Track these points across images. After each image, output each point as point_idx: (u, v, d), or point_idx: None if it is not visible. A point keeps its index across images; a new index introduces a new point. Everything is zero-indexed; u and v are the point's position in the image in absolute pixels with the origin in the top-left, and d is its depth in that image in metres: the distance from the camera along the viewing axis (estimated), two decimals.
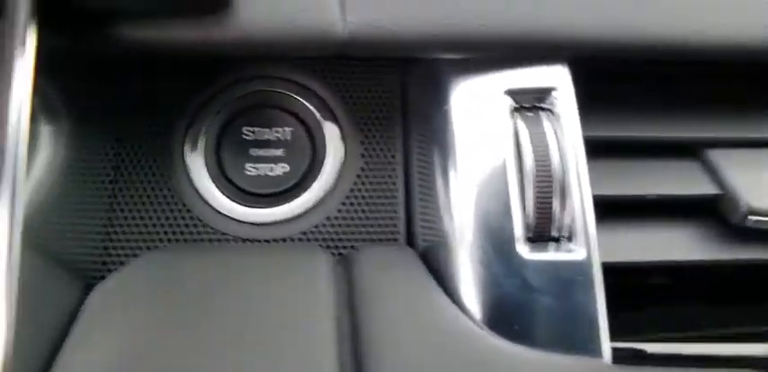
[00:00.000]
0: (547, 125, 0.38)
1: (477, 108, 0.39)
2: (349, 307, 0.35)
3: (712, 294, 0.46)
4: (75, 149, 0.41)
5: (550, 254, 0.36)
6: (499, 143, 0.38)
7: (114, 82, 0.44)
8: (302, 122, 0.46)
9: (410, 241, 0.44)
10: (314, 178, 0.45)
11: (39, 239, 0.35)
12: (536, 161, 0.37)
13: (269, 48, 0.37)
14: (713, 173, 0.41)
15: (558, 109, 0.39)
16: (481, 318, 0.35)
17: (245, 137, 0.45)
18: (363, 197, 0.45)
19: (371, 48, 0.38)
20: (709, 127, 0.42)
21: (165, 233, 0.44)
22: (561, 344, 0.34)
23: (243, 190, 0.45)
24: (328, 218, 0.45)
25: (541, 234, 0.36)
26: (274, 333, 0.32)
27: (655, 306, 0.46)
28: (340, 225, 0.45)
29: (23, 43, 0.30)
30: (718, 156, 0.41)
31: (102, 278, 0.39)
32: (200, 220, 0.44)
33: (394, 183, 0.45)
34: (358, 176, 0.45)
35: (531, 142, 0.37)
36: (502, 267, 0.35)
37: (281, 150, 0.45)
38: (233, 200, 0.44)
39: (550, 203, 0.36)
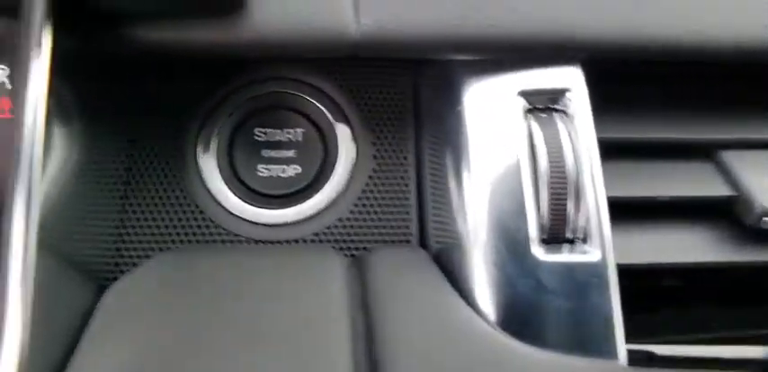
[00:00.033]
0: (561, 126, 0.38)
1: (491, 109, 0.39)
2: (363, 308, 0.35)
3: (726, 296, 0.46)
4: (88, 150, 0.41)
5: (565, 256, 0.36)
6: (513, 144, 0.38)
7: (127, 83, 0.44)
8: (314, 124, 0.45)
9: (422, 242, 0.44)
10: (326, 179, 0.45)
11: (51, 240, 0.35)
12: (550, 162, 0.37)
13: (282, 50, 0.37)
14: (727, 175, 0.41)
15: (571, 110, 0.39)
16: (495, 319, 0.35)
17: (257, 138, 0.45)
18: (375, 198, 0.45)
19: (384, 50, 0.38)
20: (723, 128, 0.42)
21: (178, 234, 0.44)
22: (576, 346, 0.34)
23: (255, 192, 0.45)
24: (340, 220, 0.45)
25: (556, 235, 0.36)
26: (289, 334, 0.32)
27: (668, 308, 0.46)
28: (352, 227, 0.45)
29: (39, 44, 0.30)
30: (732, 158, 0.41)
31: (115, 279, 0.39)
32: (212, 221, 0.44)
33: (406, 185, 0.45)
34: (370, 177, 0.45)
35: (546, 143, 0.37)
36: (516, 268, 0.35)
37: (293, 151, 0.45)
38: (245, 201, 0.44)
39: (565, 204, 0.36)
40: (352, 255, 0.44)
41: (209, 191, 0.44)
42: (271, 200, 0.45)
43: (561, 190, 0.36)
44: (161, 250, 0.43)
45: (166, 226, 0.44)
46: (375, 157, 0.46)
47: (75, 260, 0.39)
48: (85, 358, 0.32)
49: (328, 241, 0.44)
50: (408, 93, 0.46)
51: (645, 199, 0.39)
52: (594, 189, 0.37)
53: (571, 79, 0.39)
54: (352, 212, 0.45)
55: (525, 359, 0.33)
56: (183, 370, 0.30)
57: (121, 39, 0.36)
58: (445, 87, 0.41)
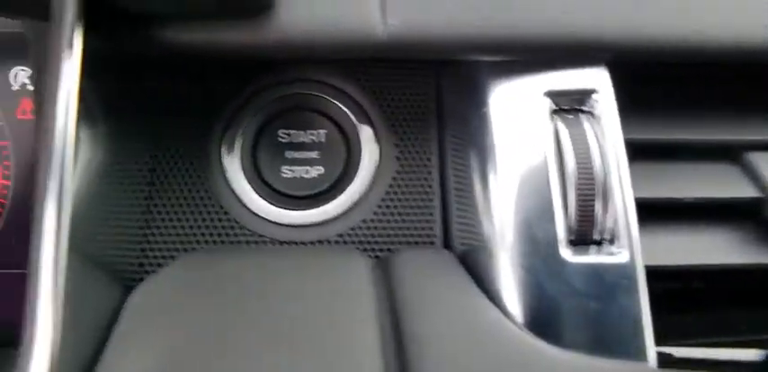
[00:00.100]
0: (587, 127, 0.38)
1: (517, 110, 0.39)
2: (390, 310, 0.35)
3: (753, 298, 0.46)
4: (113, 151, 0.41)
5: (593, 257, 0.35)
6: (539, 145, 0.37)
7: (151, 84, 0.45)
8: (337, 125, 0.46)
9: (446, 244, 0.44)
10: (349, 180, 0.45)
11: (76, 241, 0.35)
12: (578, 163, 0.36)
13: (309, 51, 0.37)
14: (753, 176, 0.40)
15: (598, 111, 0.39)
16: (523, 321, 0.35)
17: (280, 139, 0.45)
18: (399, 199, 0.45)
19: (411, 51, 0.38)
20: (749, 129, 0.42)
21: (202, 234, 0.44)
22: (605, 348, 0.34)
23: (279, 192, 0.45)
24: (364, 221, 0.45)
25: (584, 236, 0.36)
26: (316, 335, 0.32)
27: (693, 311, 0.45)
28: (376, 228, 0.45)
29: (71, 46, 0.30)
30: (758, 159, 0.41)
31: (140, 280, 0.39)
32: (236, 222, 0.44)
33: (430, 186, 0.45)
34: (393, 179, 0.45)
35: (573, 144, 0.37)
36: (545, 270, 0.35)
37: (316, 152, 0.45)
38: (269, 202, 0.45)
39: (593, 205, 0.36)
40: (377, 257, 0.44)
41: (233, 192, 0.44)
42: (295, 201, 0.45)
43: (589, 191, 0.36)
44: (185, 250, 0.43)
45: (191, 227, 0.44)
46: (398, 159, 0.46)
47: (101, 261, 0.39)
48: (114, 359, 0.32)
49: (352, 242, 0.44)
50: (431, 94, 0.46)
51: (671, 200, 0.39)
52: (622, 190, 0.36)
53: (597, 80, 0.39)
54: (375, 213, 0.45)
55: (554, 361, 0.33)
56: (209, 371, 0.30)
57: (150, 40, 0.36)
58: (470, 88, 0.40)
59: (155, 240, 0.43)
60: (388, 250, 0.44)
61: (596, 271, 0.35)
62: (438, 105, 0.46)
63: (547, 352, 0.33)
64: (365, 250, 0.44)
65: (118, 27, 0.35)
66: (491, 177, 0.38)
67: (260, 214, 0.44)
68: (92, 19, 0.31)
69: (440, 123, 0.46)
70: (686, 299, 0.45)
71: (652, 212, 0.38)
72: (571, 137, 0.37)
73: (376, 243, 0.44)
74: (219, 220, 0.44)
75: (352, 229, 0.44)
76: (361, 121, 0.46)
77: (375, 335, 0.32)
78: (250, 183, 0.45)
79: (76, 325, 0.32)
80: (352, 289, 0.36)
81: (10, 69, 0.49)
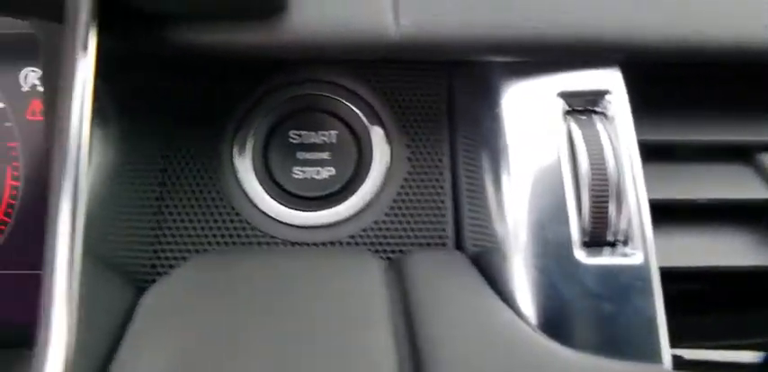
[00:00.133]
0: (600, 128, 0.38)
1: (530, 110, 0.38)
2: (403, 311, 0.35)
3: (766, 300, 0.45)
4: (124, 152, 0.41)
5: (607, 259, 0.35)
6: (553, 145, 0.37)
7: (163, 84, 0.45)
8: (348, 126, 0.46)
9: (458, 245, 0.44)
10: (361, 181, 0.45)
11: (89, 241, 0.35)
12: (591, 164, 0.36)
13: (322, 51, 0.37)
14: (766, 177, 0.40)
15: (611, 112, 0.38)
16: (537, 323, 0.35)
17: (291, 140, 0.45)
18: (411, 201, 0.45)
19: (424, 52, 0.38)
20: (762, 130, 0.42)
21: (214, 235, 0.44)
22: (620, 350, 0.33)
23: (290, 193, 0.45)
24: (376, 222, 0.44)
25: (597, 238, 0.36)
26: (330, 336, 0.32)
27: (707, 312, 0.45)
28: (388, 229, 0.44)
29: (85, 46, 0.30)
30: None
31: (153, 281, 0.39)
32: (248, 223, 0.44)
33: (441, 187, 0.45)
34: (405, 180, 0.45)
35: (586, 144, 0.37)
36: (559, 272, 0.35)
37: (327, 153, 0.45)
38: (281, 203, 0.44)
39: (607, 207, 0.36)
40: (388, 258, 0.44)
41: (244, 193, 0.44)
42: (306, 202, 0.45)
43: (602, 193, 0.36)
44: (197, 252, 0.43)
45: (202, 228, 0.44)
46: (410, 159, 0.46)
47: (113, 262, 0.39)
48: (127, 359, 0.32)
49: (364, 243, 0.44)
50: (442, 94, 0.46)
51: (684, 201, 0.39)
52: (636, 191, 0.36)
53: (610, 81, 0.39)
54: (387, 215, 0.45)
55: (568, 363, 0.33)
56: (228, 370, 0.30)
57: (164, 40, 0.36)
58: (483, 89, 0.40)
59: (166, 241, 0.43)
60: (400, 251, 0.44)
61: (610, 273, 0.35)
62: (449, 106, 0.46)
63: (561, 354, 0.33)
64: (377, 251, 0.44)
65: (132, 27, 0.35)
66: (504, 178, 0.38)
67: (271, 215, 0.44)
68: (106, 19, 0.31)
69: (451, 124, 0.46)
70: (700, 301, 0.45)
71: (665, 213, 0.38)
72: (584, 137, 0.37)
73: (387, 244, 0.44)
74: (231, 221, 0.44)
75: (364, 230, 0.44)
76: (372, 122, 0.45)
77: (389, 336, 0.32)
78: (261, 184, 0.45)
79: (90, 326, 0.32)
80: (365, 291, 0.36)
81: (20, 70, 0.49)
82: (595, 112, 0.39)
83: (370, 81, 0.46)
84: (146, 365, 0.31)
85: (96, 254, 0.37)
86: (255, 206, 0.44)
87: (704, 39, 0.38)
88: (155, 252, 0.43)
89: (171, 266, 0.43)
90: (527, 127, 0.38)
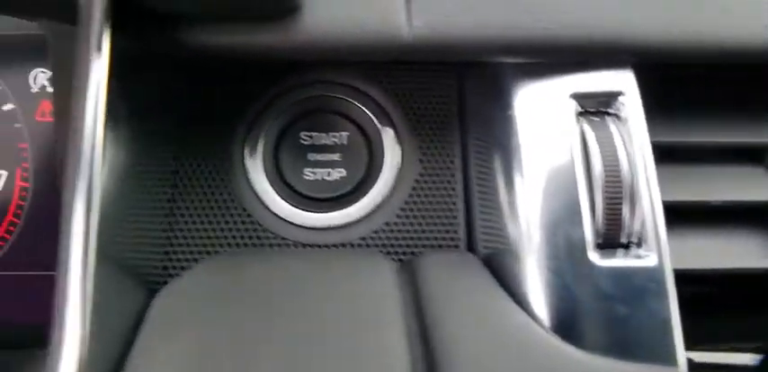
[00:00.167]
0: (614, 129, 0.38)
1: (542, 112, 0.38)
2: (416, 312, 0.35)
3: None
4: (135, 153, 0.41)
5: (621, 261, 0.35)
6: (566, 147, 0.37)
7: (174, 86, 0.45)
8: (359, 127, 0.45)
9: (470, 247, 0.44)
10: (372, 183, 0.45)
11: (102, 243, 0.35)
12: (605, 165, 0.36)
13: (335, 53, 0.37)
14: None
15: (624, 113, 0.38)
16: (551, 325, 0.34)
17: (302, 141, 0.45)
18: (422, 202, 0.45)
19: (436, 53, 0.38)
20: None
21: (225, 237, 0.44)
22: (634, 352, 0.33)
23: (301, 195, 0.45)
24: (387, 224, 0.44)
25: (611, 240, 0.36)
26: (343, 337, 0.32)
27: (721, 315, 0.45)
28: (399, 231, 0.44)
29: (99, 47, 0.30)
30: None
31: (164, 283, 0.39)
32: (259, 225, 0.44)
33: (453, 189, 0.45)
34: (416, 181, 0.45)
35: (599, 146, 0.37)
36: (572, 274, 0.35)
37: (338, 155, 0.45)
38: (292, 205, 0.44)
39: (620, 208, 0.36)
40: (400, 260, 0.44)
41: (256, 194, 0.44)
42: (317, 204, 0.45)
43: (616, 194, 0.36)
44: (209, 253, 0.43)
45: (214, 230, 0.44)
46: (421, 161, 0.46)
47: (125, 264, 0.39)
48: (140, 361, 0.32)
49: (375, 245, 0.44)
50: (454, 96, 0.46)
51: (697, 203, 0.39)
52: (649, 192, 0.36)
53: (623, 82, 0.39)
54: (398, 216, 0.45)
55: (581, 365, 0.33)
56: (240, 370, 0.30)
57: (177, 40, 0.36)
58: (495, 90, 0.40)
59: (178, 243, 0.43)
60: (412, 253, 0.44)
61: (624, 275, 0.35)
62: (460, 108, 0.46)
63: (574, 356, 0.33)
64: (388, 253, 0.44)
65: (145, 27, 0.36)
66: (517, 180, 0.38)
67: (282, 216, 0.44)
68: (119, 19, 0.31)
69: (462, 126, 0.46)
70: (712, 303, 0.44)
71: (679, 215, 0.38)
72: (597, 139, 0.37)
73: (399, 246, 0.44)
74: (243, 223, 0.44)
75: (375, 232, 0.44)
76: (383, 124, 0.45)
77: (401, 338, 0.32)
78: (272, 185, 0.45)
79: (103, 328, 0.32)
80: (377, 292, 0.36)
81: (29, 71, 0.49)
82: (608, 114, 0.39)
83: (381, 82, 0.46)
84: (158, 366, 0.31)
85: (108, 256, 0.37)
86: (267, 207, 0.44)
87: (718, 40, 0.38)
88: (166, 253, 0.43)
89: (182, 268, 0.43)
90: (539, 128, 0.38)
